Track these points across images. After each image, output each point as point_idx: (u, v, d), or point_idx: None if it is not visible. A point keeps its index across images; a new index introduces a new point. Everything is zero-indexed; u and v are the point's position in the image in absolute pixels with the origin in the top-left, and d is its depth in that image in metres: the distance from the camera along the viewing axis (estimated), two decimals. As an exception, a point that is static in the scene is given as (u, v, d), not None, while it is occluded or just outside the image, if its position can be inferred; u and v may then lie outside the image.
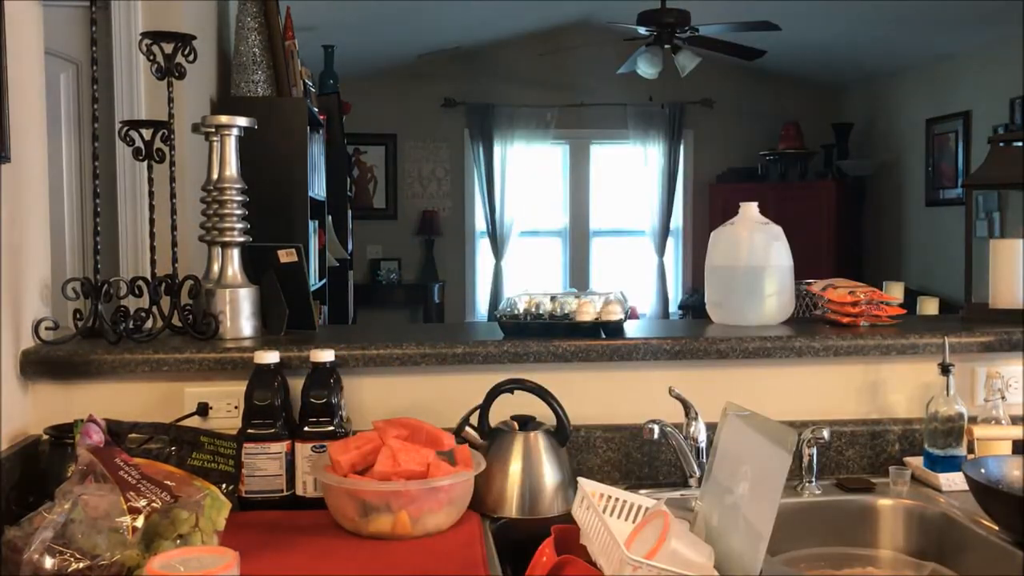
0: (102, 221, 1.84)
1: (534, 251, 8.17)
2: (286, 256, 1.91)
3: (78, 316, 1.81)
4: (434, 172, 7.96)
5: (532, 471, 1.59)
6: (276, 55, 3.52)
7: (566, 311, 1.87)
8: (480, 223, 8.01)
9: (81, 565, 1.19)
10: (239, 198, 1.86)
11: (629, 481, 1.80)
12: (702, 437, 1.72)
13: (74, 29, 2.93)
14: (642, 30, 5.40)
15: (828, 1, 5.81)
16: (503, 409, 1.66)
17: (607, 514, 1.43)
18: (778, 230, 2.03)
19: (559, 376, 1.76)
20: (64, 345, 1.72)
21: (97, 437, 1.40)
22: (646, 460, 1.81)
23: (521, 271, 8.01)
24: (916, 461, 1.80)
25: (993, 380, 1.76)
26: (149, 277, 1.84)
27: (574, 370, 1.80)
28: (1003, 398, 1.76)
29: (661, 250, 8.05)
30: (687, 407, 1.73)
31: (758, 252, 2.01)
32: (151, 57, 1.82)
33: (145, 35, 1.82)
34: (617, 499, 1.45)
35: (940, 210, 6.84)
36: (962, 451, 1.73)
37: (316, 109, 4.19)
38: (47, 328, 1.73)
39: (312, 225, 3.87)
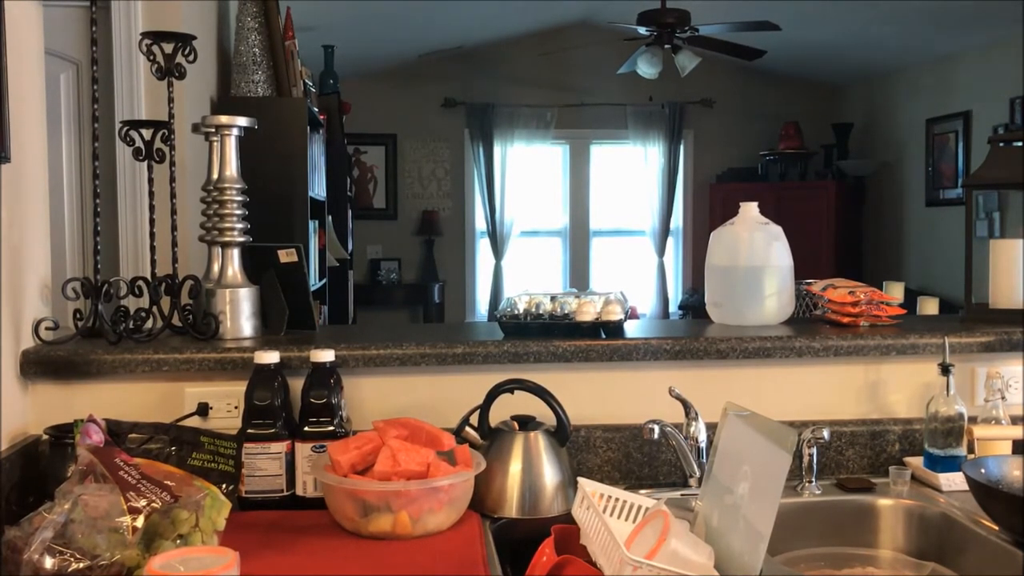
0: (102, 221, 1.84)
1: (534, 251, 8.17)
2: (286, 256, 1.91)
3: (78, 316, 1.81)
4: (434, 172, 7.96)
5: (532, 471, 1.59)
6: (276, 55, 3.52)
7: (566, 311, 1.87)
8: (480, 223, 8.02)
9: (81, 565, 1.19)
10: (239, 198, 1.86)
11: (629, 481, 1.80)
12: (702, 437, 1.72)
13: (74, 29, 2.93)
14: (642, 30, 5.40)
15: (828, 1, 5.81)
16: (503, 409, 1.66)
17: (607, 514, 1.43)
18: (778, 230, 2.03)
19: (559, 376, 1.76)
20: (64, 345, 1.72)
21: (97, 437, 1.40)
22: (646, 460, 1.81)
23: (521, 271, 8.01)
24: (916, 461, 1.80)
25: (993, 380, 1.76)
26: (149, 277, 1.84)
27: (574, 370, 1.80)
28: (1003, 398, 1.76)
29: (661, 250, 8.05)
30: (687, 407, 1.73)
31: (758, 252, 2.01)
32: (151, 57, 1.82)
33: (145, 35, 1.82)
34: (617, 499, 1.45)
35: (940, 210, 6.84)
36: (962, 451, 1.73)
37: (316, 109, 4.19)
38: (47, 328, 1.73)
39: (312, 225, 3.87)
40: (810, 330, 1.91)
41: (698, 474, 1.70)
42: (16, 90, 1.62)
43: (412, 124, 7.85)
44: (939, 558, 1.63)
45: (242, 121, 1.86)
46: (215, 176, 1.86)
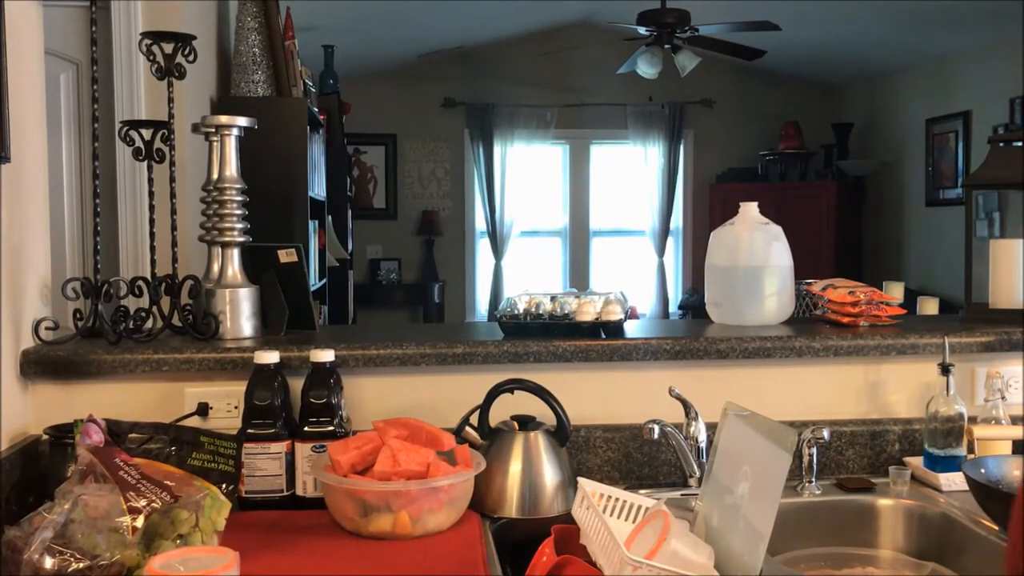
0: (102, 221, 1.84)
1: (534, 251, 8.17)
2: (286, 256, 1.91)
3: (78, 316, 1.81)
4: (434, 172, 7.96)
5: (532, 471, 1.59)
6: (276, 55, 3.52)
7: (566, 311, 1.87)
8: (480, 223, 8.02)
9: (81, 565, 1.19)
10: (239, 198, 1.86)
11: (629, 481, 1.80)
12: (702, 437, 1.72)
13: (74, 29, 2.93)
14: (642, 30, 5.40)
15: (828, 1, 5.81)
16: (503, 409, 1.66)
17: (607, 514, 1.43)
18: (778, 230, 2.03)
19: (559, 376, 1.76)
20: (64, 345, 1.72)
21: (97, 437, 1.40)
22: (646, 460, 1.81)
23: (521, 271, 8.01)
24: (916, 461, 1.80)
25: (993, 380, 1.76)
26: (149, 277, 1.84)
27: (574, 370, 1.80)
28: (1003, 398, 1.76)
29: (661, 250, 8.05)
30: (687, 407, 1.73)
31: (758, 252, 2.01)
32: (151, 57, 1.82)
33: (145, 35, 1.82)
34: (617, 499, 1.45)
35: (940, 210, 6.84)
36: (962, 451, 1.73)
37: (316, 109, 4.19)
38: (47, 328, 1.73)
39: (312, 225, 3.87)
40: (810, 330, 1.91)
41: (698, 474, 1.70)
42: (16, 90, 1.62)
43: (412, 124, 7.85)
44: (939, 558, 1.63)
45: (242, 121, 1.86)
46: (215, 176, 1.86)
